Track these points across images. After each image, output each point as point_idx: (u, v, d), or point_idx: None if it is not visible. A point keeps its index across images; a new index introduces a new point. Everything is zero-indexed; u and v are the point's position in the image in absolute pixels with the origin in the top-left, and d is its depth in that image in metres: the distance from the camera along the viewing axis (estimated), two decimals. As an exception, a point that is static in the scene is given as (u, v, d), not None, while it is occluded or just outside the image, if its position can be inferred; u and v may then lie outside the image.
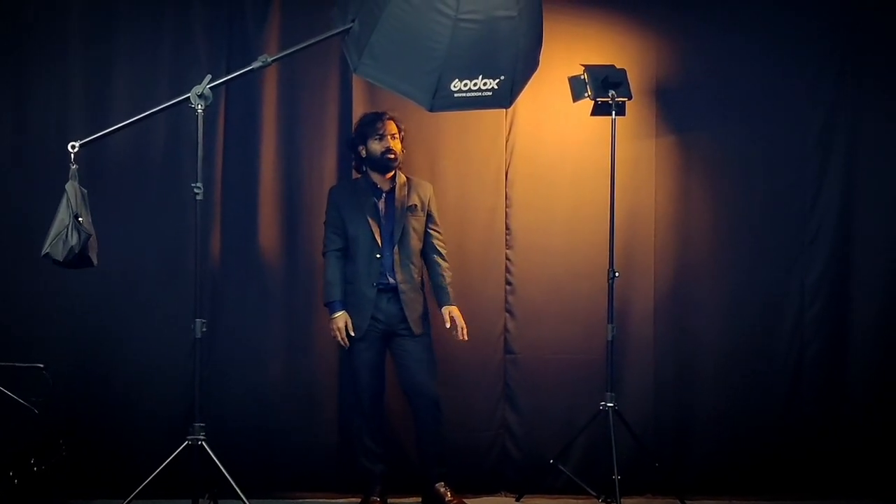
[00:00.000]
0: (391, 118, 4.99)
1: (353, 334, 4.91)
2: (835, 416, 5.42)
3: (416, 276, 4.99)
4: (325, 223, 5.03)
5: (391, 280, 4.93)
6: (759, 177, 5.44)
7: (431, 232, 5.07)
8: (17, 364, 4.67)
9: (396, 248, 4.94)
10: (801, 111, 5.44)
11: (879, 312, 5.41)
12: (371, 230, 4.93)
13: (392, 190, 5.01)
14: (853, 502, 5.26)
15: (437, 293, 5.05)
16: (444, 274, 5.04)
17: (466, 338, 5.00)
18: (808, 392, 5.42)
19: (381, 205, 4.99)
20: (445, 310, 5.01)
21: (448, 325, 4.98)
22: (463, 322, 4.99)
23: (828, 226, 5.43)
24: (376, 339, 4.96)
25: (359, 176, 5.11)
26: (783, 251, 5.44)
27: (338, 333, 4.91)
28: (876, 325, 5.41)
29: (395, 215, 4.97)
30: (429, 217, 5.07)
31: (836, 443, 5.40)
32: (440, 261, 5.06)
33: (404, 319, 4.93)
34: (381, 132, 4.95)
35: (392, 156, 4.95)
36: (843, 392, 5.43)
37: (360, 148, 5.01)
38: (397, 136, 4.99)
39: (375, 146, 4.96)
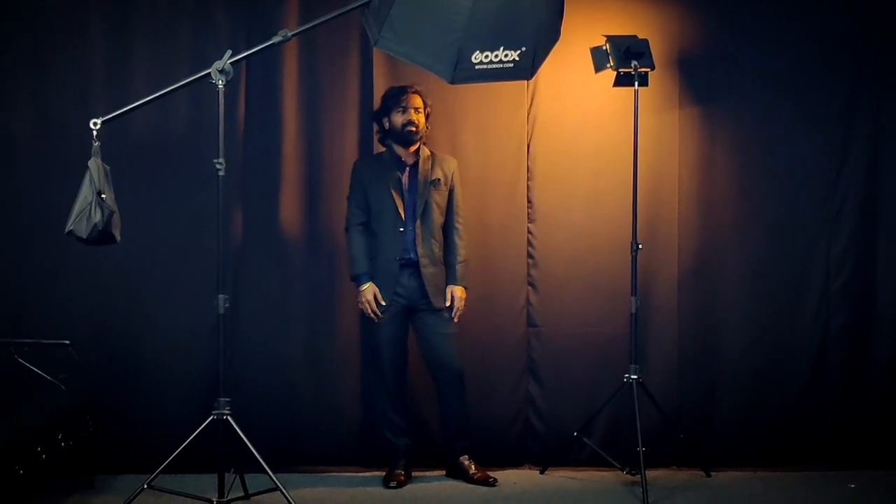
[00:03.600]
0: (416, 92, 4.98)
1: (383, 303, 4.93)
2: (860, 388, 5.40)
3: (436, 250, 5.00)
4: (347, 197, 5.03)
5: (412, 255, 4.94)
6: (784, 147, 5.39)
7: (453, 209, 5.07)
8: (43, 341, 4.71)
9: (418, 222, 4.94)
10: (825, 81, 5.37)
11: (906, 283, 5.37)
12: (395, 204, 4.93)
13: (416, 164, 5.00)
14: (878, 472, 5.23)
15: (447, 271, 5.05)
16: (459, 253, 5.04)
17: (457, 320, 5.01)
18: (834, 364, 5.39)
19: (405, 179, 4.99)
20: (449, 289, 5.01)
21: (447, 304, 4.99)
22: (461, 305, 5.01)
23: (853, 196, 5.38)
24: (398, 313, 4.98)
25: (382, 149, 5.10)
26: (808, 222, 5.40)
27: (367, 306, 4.93)
28: (902, 296, 5.37)
29: (418, 189, 4.96)
30: (451, 193, 5.06)
31: (861, 414, 5.38)
32: (457, 240, 5.06)
33: (425, 294, 4.95)
34: (403, 105, 4.94)
35: (413, 129, 4.93)
36: (869, 363, 5.40)
37: (384, 120, 5.01)
38: (421, 110, 4.98)
39: (397, 119, 4.94)
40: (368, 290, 4.94)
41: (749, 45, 5.38)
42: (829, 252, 5.39)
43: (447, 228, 5.06)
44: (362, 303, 4.95)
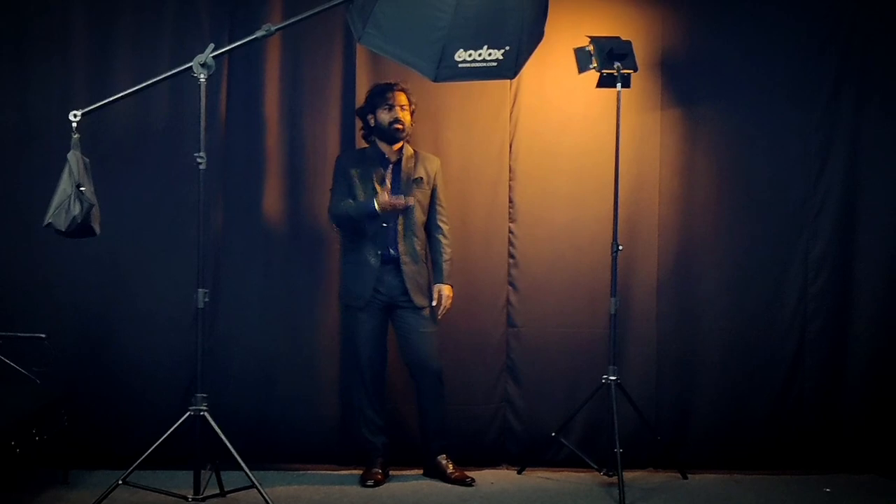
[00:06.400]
0: (402, 90, 4.97)
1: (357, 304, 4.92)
2: (836, 391, 5.42)
3: (418, 248, 4.99)
4: (331, 190, 5.01)
5: (393, 251, 4.93)
6: (764, 150, 5.40)
7: (436, 208, 5.06)
8: (19, 334, 4.68)
9: (401, 219, 4.93)
10: (806, 84, 5.39)
11: (883, 287, 5.39)
12: (377, 200, 4.92)
13: (399, 161, 4.99)
14: (853, 476, 5.26)
15: (433, 269, 5.05)
16: (444, 251, 5.04)
17: (440, 318, 5.03)
18: (811, 366, 5.41)
19: (388, 175, 4.97)
20: (436, 287, 5.02)
21: (434, 303, 5.00)
22: (448, 304, 5.02)
23: (832, 199, 5.40)
24: (378, 310, 4.96)
25: (366, 145, 5.09)
26: (787, 225, 5.41)
27: (392, 200, 4.81)
28: (879, 301, 5.39)
29: (401, 187, 4.95)
30: (434, 192, 5.06)
31: (837, 417, 5.41)
32: (441, 238, 5.06)
33: (406, 292, 4.94)
34: (390, 102, 4.93)
35: (400, 126, 4.92)
36: (845, 366, 5.42)
37: (369, 117, 5.00)
38: (407, 107, 4.97)
39: (384, 116, 4.93)
40: (380, 196, 4.83)
41: (732, 49, 5.39)
42: (808, 255, 5.41)
43: (430, 227, 5.06)
44: (389, 203, 4.80)
